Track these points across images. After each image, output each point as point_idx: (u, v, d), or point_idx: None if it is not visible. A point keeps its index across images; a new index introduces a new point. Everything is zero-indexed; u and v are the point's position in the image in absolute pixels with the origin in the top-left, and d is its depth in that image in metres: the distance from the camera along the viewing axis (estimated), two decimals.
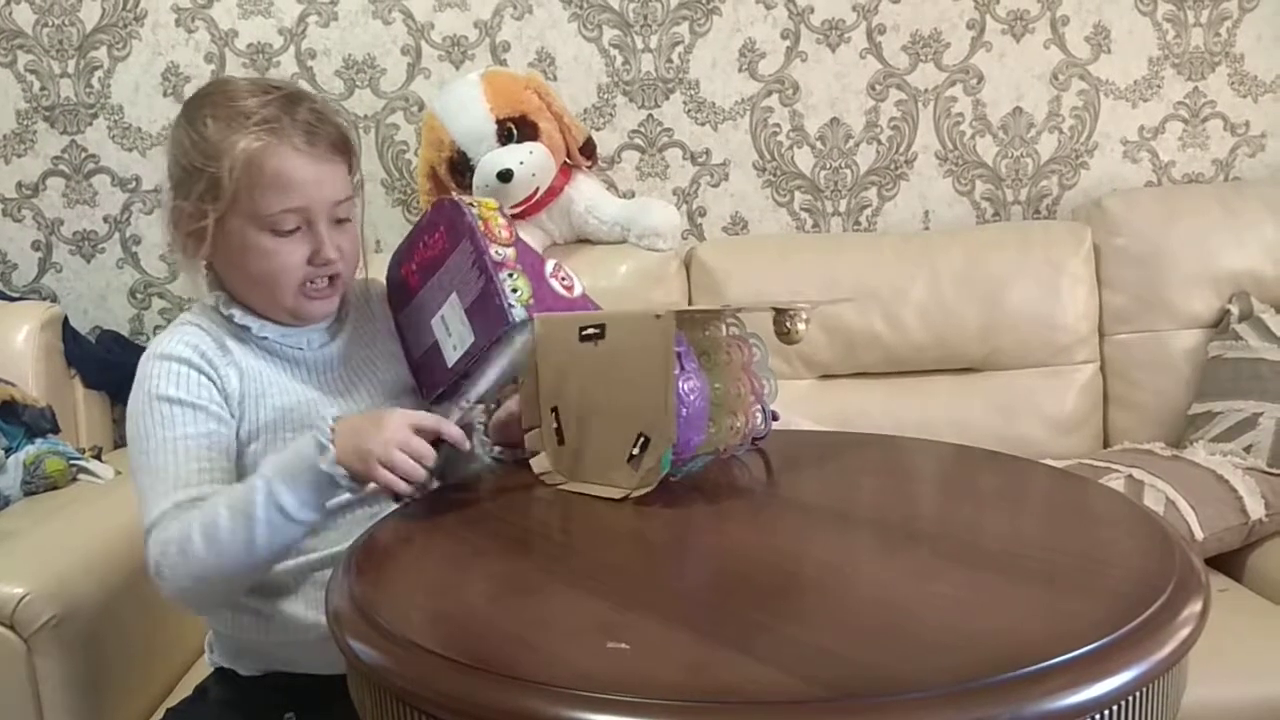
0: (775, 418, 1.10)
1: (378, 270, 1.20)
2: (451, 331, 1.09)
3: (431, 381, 1.13)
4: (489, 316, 1.06)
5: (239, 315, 1.06)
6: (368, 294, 1.18)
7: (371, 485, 0.93)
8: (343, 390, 1.09)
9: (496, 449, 1.09)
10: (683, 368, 0.94)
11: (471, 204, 1.10)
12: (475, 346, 1.07)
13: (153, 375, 1.01)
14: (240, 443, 1.04)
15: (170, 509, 0.96)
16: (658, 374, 0.92)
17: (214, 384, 1.02)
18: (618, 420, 0.97)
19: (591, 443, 1.00)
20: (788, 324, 1.02)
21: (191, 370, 1.01)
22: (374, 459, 0.91)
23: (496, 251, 1.06)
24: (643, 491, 0.95)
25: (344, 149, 1.05)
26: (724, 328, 1.03)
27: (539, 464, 1.04)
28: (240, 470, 1.03)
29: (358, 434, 0.92)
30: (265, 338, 1.06)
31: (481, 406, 1.06)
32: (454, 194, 1.15)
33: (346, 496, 0.98)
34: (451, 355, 1.09)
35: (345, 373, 1.10)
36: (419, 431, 0.94)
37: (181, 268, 1.07)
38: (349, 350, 1.11)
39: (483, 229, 1.07)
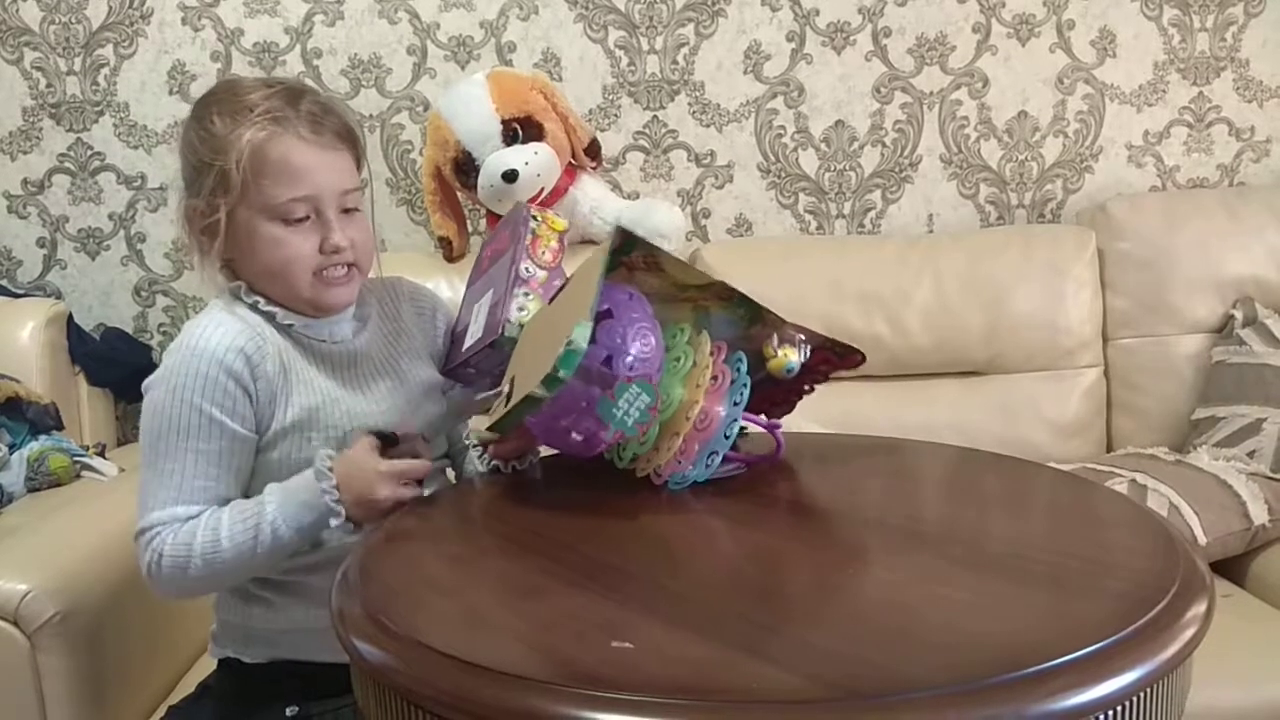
0: (778, 442, 1.06)
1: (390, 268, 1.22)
2: (476, 321, 1.14)
3: (449, 356, 1.18)
4: (494, 321, 1.09)
5: (262, 303, 1.05)
6: (396, 294, 1.19)
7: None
8: (362, 387, 1.09)
9: (493, 463, 1.10)
10: (633, 319, 0.91)
11: (540, 219, 1.14)
12: (479, 342, 1.11)
13: (189, 373, 1.00)
14: (265, 444, 1.04)
15: (167, 521, 1.00)
16: (563, 326, 0.89)
17: (249, 394, 1.01)
18: (525, 365, 0.97)
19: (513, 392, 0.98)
20: (776, 349, 1.02)
21: (229, 380, 1.00)
22: (376, 513, 0.99)
23: (526, 269, 1.09)
24: (489, 438, 1.01)
25: (349, 139, 1.07)
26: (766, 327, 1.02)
27: (478, 422, 1.04)
28: (260, 471, 1.04)
29: (355, 490, 0.99)
30: (289, 325, 1.06)
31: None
32: (533, 206, 1.22)
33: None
34: (467, 341, 1.14)
35: (366, 370, 1.10)
36: (402, 475, 1.01)
37: (197, 268, 1.07)
38: (371, 348, 1.11)
39: (529, 243, 1.11)
